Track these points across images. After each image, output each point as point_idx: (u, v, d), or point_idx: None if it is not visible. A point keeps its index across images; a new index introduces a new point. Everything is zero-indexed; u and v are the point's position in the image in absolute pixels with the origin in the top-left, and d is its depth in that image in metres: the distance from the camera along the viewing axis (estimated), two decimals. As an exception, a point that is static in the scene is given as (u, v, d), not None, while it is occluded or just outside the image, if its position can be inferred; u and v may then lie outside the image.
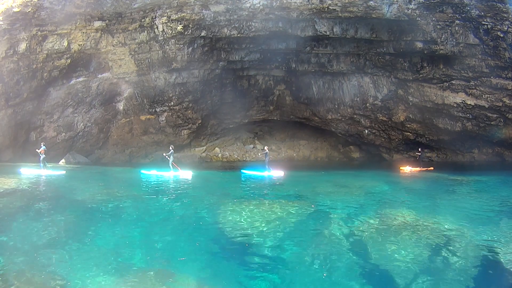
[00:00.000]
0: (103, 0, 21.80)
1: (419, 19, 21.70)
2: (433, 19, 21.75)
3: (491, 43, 21.81)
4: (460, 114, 25.86)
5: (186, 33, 23.43)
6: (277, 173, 21.26)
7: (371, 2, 20.89)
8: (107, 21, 23.09)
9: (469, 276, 8.24)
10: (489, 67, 23.04)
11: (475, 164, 28.16)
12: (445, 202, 14.63)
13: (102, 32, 23.63)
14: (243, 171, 21.80)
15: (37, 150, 20.02)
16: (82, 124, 26.41)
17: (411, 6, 21.06)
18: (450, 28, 22.07)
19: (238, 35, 23.99)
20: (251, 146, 33.89)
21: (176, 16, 22.63)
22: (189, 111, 28.63)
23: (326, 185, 17.64)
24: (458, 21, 21.69)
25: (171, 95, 27.30)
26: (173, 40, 23.99)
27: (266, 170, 21.44)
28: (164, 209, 13.08)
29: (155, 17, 23.03)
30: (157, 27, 23.43)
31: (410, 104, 27.36)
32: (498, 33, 21.11)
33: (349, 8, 21.36)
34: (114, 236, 10.10)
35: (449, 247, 9.62)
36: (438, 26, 22.09)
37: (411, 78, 26.14)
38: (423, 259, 8.92)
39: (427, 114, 27.29)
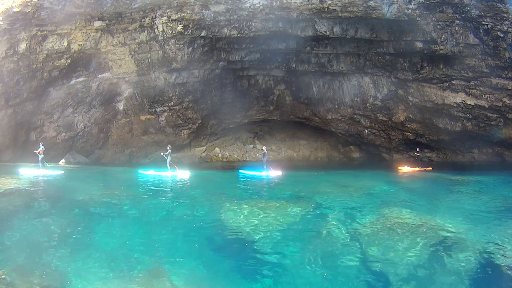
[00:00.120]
0: (103, 0, 21.81)
1: (419, 19, 21.69)
2: (433, 19, 21.75)
3: (491, 43, 21.80)
4: (460, 114, 25.86)
5: (186, 33, 23.44)
6: (275, 173, 21.27)
7: (371, 2, 20.88)
8: (107, 21, 23.10)
9: (469, 276, 8.23)
10: (489, 67, 23.03)
11: (475, 164, 28.15)
12: (445, 202, 14.62)
13: (102, 32, 23.63)
14: (241, 171, 21.79)
15: (35, 151, 19.99)
16: (82, 124, 26.42)
17: (411, 6, 21.05)
18: (450, 28, 22.07)
19: (238, 35, 23.99)
20: (251, 146, 33.89)
21: (176, 16, 22.63)
22: (189, 111, 28.64)
23: (326, 185, 17.63)
24: (458, 21, 21.69)
25: (171, 95, 27.30)
26: (173, 40, 24.00)
27: (265, 170, 21.45)
28: (162, 209, 13.07)
29: (155, 17, 23.03)
30: (157, 27, 23.44)
31: (410, 104, 27.36)
32: (498, 33, 21.11)
33: (349, 8, 21.35)
34: (114, 236, 10.10)
35: (449, 247, 9.61)
36: (438, 26, 22.09)
37: (411, 78, 26.14)
38: (423, 259, 8.92)
39: (427, 114, 27.28)
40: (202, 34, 23.79)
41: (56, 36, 22.40)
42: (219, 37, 24.51)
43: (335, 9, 21.51)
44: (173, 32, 23.28)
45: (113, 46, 24.23)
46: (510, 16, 20.32)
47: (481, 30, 21.55)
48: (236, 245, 9.65)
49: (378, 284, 7.87)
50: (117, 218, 11.62)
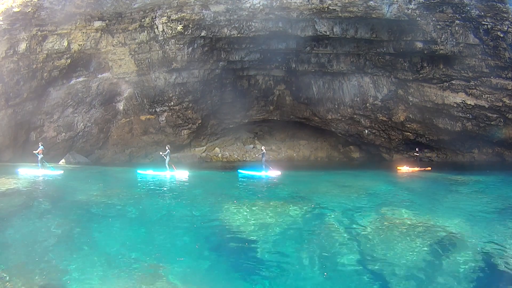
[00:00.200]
0: (103, 0, 21.81)
1: (419, 19, 21.69)
2: (433, 19, 21.75)
3: (491, 43, 21.80)
4: (460, 114, 25.85)
5: (186, 33, 23.44)
6: (274, 173, 21.25)
7: (371, 2, 20.88)
8: (107, 21, 23.10)
9: (468, 276, 8.23)
10: (489, 67, 23.03)
11: (475, 164, 28.14)
12: (444, 202, 14.61)
13: (102, 32, 23.64)
14: (240, 171, 21.78)
15: (34, 151, 19.99)
16: (82, 124, 26.42)
17: (411, 6, 21.05)
18: (450, 28, 22.07)
19: (238, 35, 23.99)
20: (251, 146, 33.89)
21: (176, 16, 22.63)
22: (189, 111, 28.64)
23: (326, 185, 17.63)
24: (458, 21, 21.68)
25: (171, 95, 27.30)
26: (173, 40, 24.00)
27: (264, 170, 21.43)
28: (161, 209, 13.07)
29: (155, 17, 23.03)
30: (157, 27, 23.44)
31: (410, 104, 27.36)
32: (498, 33, 21.10)
33: (349, 8, 21.35)
34: (113, 235, 10.10)
35: (449, 247, 9.61)
36: (438, 26, 22.08)
37: (411, 78, 26.13)
38: (422, 259, 8.92)
39: (427, 114, 27.28)
40: (202, 34, 23.79)
41: (56, 36, 22.41)
42: (219, 37, 24.51)
43: (335, 9, 21.51)
44: (173, 32, 23.28)
45: (113, 46, 24.24)
46: (510, 16, 20.32)
47: (481, 30, 21.55)
48: (236, 245, 9.65)
49: (377, 284, 7.87)
50: (116, 218, 11.62)
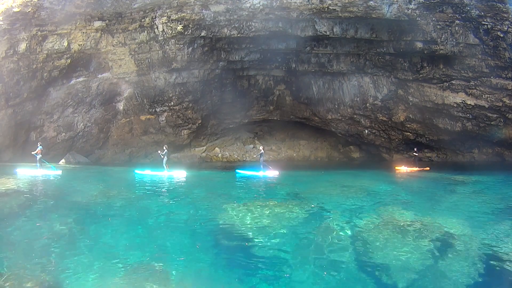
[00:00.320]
0: (103, 0, 21.82)
1: (419, 19, 21.69)
2: (433, 19, 21.75)
3: (491, 43, 21.80)
4: (460, 114, 25.85)
5: (186, 33, 23.44)
6: (272, 173, 21.22)
7: (371, 2, 20.88)
8: (107, 21, 23.11)
9: (468, 276, 8.23)
10: (489, 67, 23.03)
11: (475, 164, 28.12)
12: (444, 202, 14.60)
13: (102, 32, 23.65)
14: (238, 171, 21.76)
15: (32, 152, 19.98)
16: (82, 124, 26.43)
17: (411, 6, 21.05)
18: (450, 28, 22.07)
19: (238, 35, 23.99)
20: (251, 146, 33.90)
21: (176, 16, 22.64)
22: (189, 111, 28.64)
23: (326, 185, 17.62)
24: (458, 21, 21.68)
25: (171, 95, 27.31)
26: (173, 40, 24.00)
27: (261, 170, 21.41)
28: (160, 209, 13.06)
29: (155, 17, 23.04)
30: (157, 27, 23.45)
31: (410, 104, 27.36)
32: (498, 33, 21.10)
33: (349, 8, 21.36)
34: (112, 235, 10.10)
35: (449, 247, 9.61)
36: (438, 26, 22.08)
37: (411, 78, 26.13)
38: (422, 258, 8.91)
39: (427, 114, 27.28)
40: (202, 34, 23.79)
41: (56, 36, 22.42)
42: (219, 37, 24.52)
43: (335, 9, 21.51)
44: (173, 32, 23.29)
45: (113, 46, 24.25)
46: (510, 16, 20.33)
47: (481, 30, 21.55)
48: (236, 245, 9.65)
49: (377, 284, 7.86)
50: (116, 217, 11.62)
